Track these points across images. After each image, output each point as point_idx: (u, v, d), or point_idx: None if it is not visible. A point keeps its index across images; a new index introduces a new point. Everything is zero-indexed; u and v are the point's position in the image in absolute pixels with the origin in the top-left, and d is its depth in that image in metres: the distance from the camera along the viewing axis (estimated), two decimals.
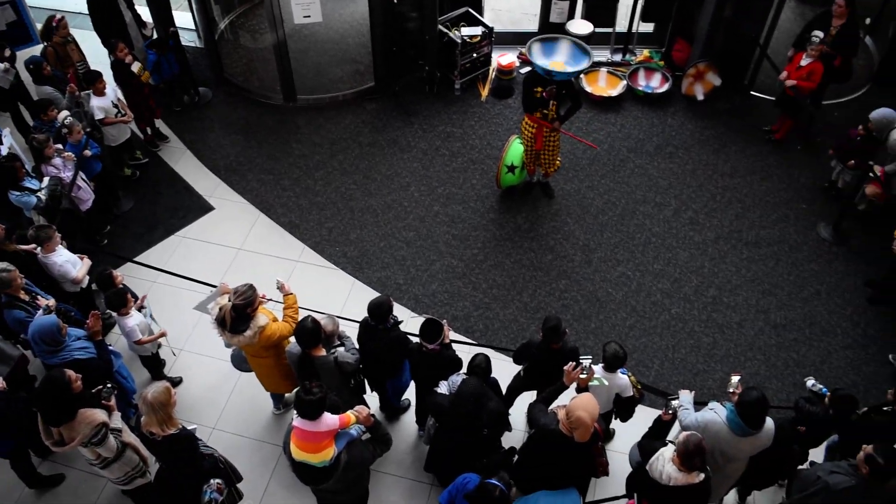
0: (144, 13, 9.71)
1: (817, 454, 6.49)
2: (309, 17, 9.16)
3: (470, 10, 10.16)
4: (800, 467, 6.05)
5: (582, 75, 10.29)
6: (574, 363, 5.45)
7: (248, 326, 5.63)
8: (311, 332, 5.58)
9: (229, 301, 5.60)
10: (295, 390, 6.32)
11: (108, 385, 5.56)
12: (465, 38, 9.81)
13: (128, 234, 8.51)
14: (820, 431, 5.89)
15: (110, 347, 6.37)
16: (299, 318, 5.79)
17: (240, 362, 6.47)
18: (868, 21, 10.58)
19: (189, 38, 10.80)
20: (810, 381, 6.13)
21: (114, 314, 6.64)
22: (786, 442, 5.51)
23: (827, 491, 5.02)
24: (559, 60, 7.64)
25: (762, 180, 9.36)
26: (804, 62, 8.84)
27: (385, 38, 9.60)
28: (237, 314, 5.59)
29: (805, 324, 7.88)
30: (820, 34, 8.72)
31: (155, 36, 9.62)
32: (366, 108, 10.02)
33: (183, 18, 10.66)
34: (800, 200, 9.14)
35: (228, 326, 5.62)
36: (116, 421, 5.51)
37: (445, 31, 9.86)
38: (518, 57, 10.48)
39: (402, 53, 9.88)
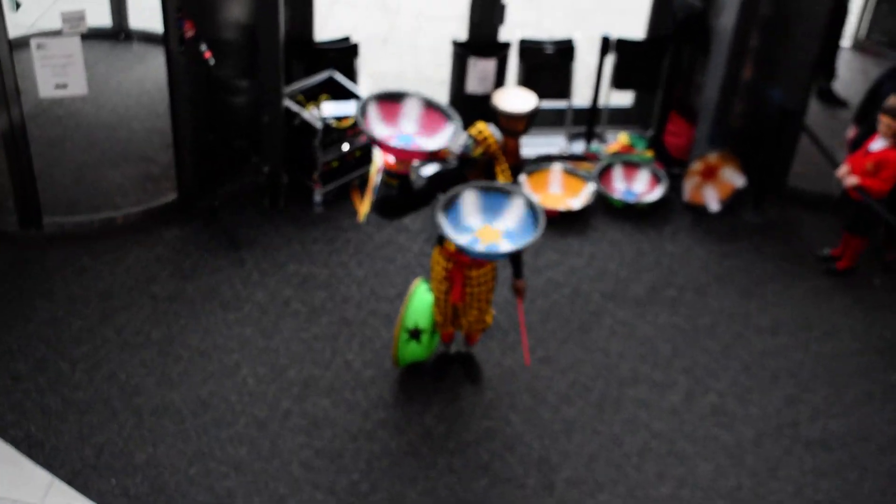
0: None
1: None
2: (65, 86, 7.23)
3: (336, 74, 7.72)
4: None
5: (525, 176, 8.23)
6: None
7: None
8: None
9: None
10: None
11: None
12: (330, 119, 7.54)
13: None
14: None
15: None
16: None
17: None
18: None
19: None
20: None
21: None
22: None
23: None
24: (498, 227, 5.79)
25: (824, 337, 7.55)
26: (875, 146, 7.17)
27: (196, 121, 7.41)
28: None
29: None
30: None
31: None
32: (163, 236, 7.69)
33: None
34: (889, 368, 7.42)
35: None
36: None
37: (297, 108, 7.52)
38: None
39: (224, 145, 7.59)
